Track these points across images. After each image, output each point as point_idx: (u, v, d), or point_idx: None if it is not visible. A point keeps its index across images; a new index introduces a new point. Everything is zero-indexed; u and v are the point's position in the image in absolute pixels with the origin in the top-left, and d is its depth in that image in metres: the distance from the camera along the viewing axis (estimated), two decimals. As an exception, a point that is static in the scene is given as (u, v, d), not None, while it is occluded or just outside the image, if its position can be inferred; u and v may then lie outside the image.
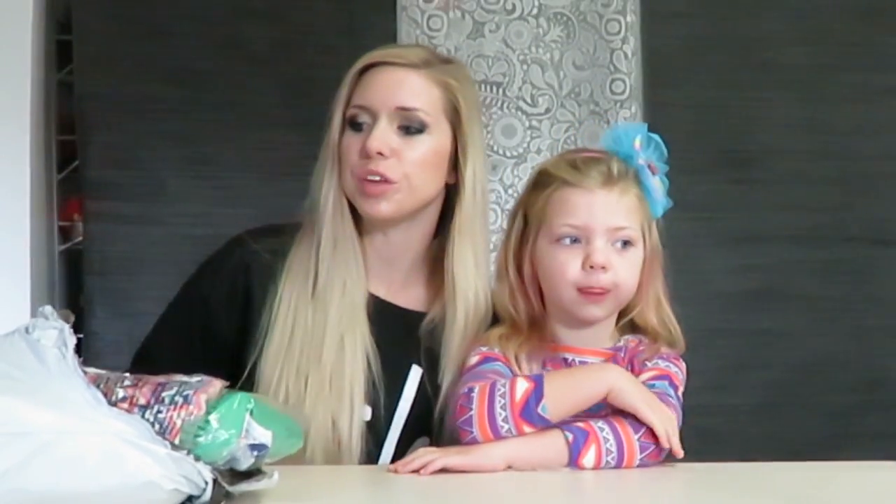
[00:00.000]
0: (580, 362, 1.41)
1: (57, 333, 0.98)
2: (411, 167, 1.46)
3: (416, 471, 1.26)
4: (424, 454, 1.29)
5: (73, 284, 2.80)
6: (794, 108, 2.85)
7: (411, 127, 1.46)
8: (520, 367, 1.40)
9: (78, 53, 2.70)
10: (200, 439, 0.95)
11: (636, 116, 2.79)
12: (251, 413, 0.99)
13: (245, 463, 0.99)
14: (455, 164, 1.51)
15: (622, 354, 1.42)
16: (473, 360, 1.41)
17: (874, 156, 2.86)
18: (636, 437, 1.30)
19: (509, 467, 1.29)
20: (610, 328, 1.44)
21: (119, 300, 2.62)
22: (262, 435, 0.99)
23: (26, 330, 0.99)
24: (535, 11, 2.81)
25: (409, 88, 1.47)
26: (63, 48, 2.77)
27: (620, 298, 1.40)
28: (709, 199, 2.79)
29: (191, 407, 0.96)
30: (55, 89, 2.80)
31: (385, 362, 1.47)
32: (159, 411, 0.96)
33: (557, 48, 2.82)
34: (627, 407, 1.31)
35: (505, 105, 2.80)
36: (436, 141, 1.48)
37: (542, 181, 1.43)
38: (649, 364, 1.39)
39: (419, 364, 1.49)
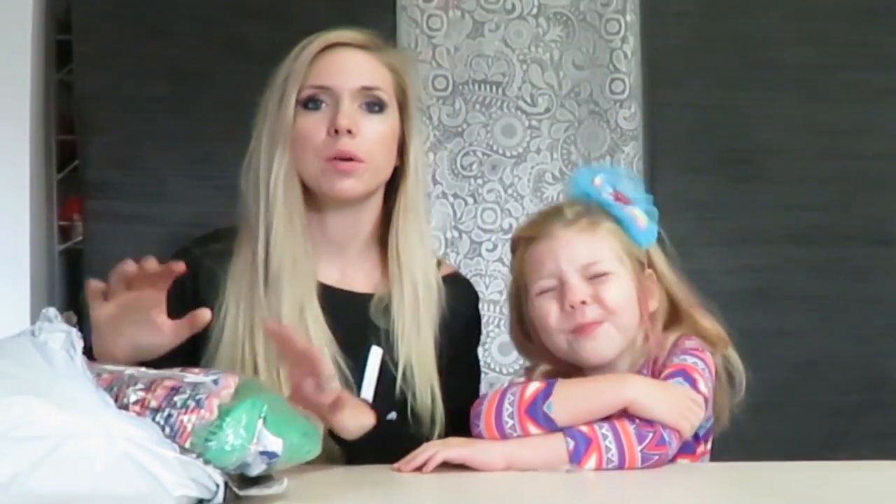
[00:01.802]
0: None
1: (64, 336, 0.97)
2: (374, 145, 1.47)
3: (419, 468, 1.26)
4: (426, 449, 1.29)
5: (73, 284, 2.80)
6: (794, 108, 2.85)
7: (373, 104, 1.49)
8: None
9: (78, 53, 2.70)
10: (211, 444, 0.95)
11: (636, 116, 2.79)
12: (265, 419, 0.98)
13: (256, 469, 0.99)
14: (399, 147, 1.53)
15: (642, 361, 1.42)
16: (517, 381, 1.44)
17: (874, 156, 2.86)
18: (639, 448, 1.29)
19: (508, 467, 1.29)
20: (636, 354, 1.43)
21: (119, 300, 2.61)
22: (273, 443, 0.98)
23: (32, 333, 0.98)
24: (534, 11, 2.82)
25: (371, 69, 1.50)
26: (63, 48, 2.77)
27: (621, 326, 1.39)
28: (709, 199, 2.79)
29: (202, 411, 0.96)
30: (55, 89, 2.80)
31: (343, 347, 1.45)
32: (170, 415, 0.96)
33: (557, 48, 2.82)
34: (652, 419, 1.30)
35: (505, 105, 2.80)
36: (391, 120, 1.51)
37: (514, 247, 1.49)
38: (668, 364, 1.38)
39: (379, 345, 1.49)
